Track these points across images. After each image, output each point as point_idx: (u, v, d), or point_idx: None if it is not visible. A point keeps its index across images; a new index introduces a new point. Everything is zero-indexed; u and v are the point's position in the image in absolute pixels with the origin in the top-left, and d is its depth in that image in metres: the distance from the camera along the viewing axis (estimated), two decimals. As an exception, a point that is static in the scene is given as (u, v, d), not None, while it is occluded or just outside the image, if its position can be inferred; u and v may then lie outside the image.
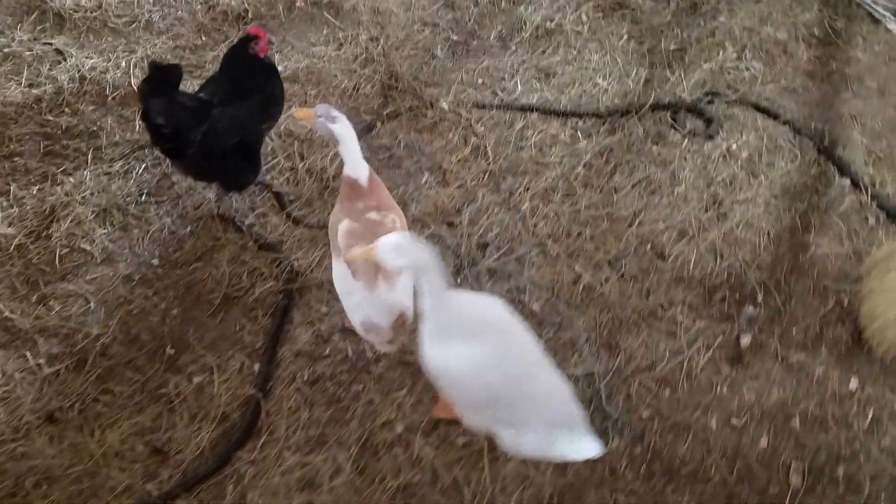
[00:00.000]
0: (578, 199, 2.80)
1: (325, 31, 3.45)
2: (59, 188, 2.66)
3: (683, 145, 3.05)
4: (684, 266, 2.62)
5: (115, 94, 3.03)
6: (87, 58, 3.15)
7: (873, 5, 3.68)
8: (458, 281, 2.51)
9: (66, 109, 2.97)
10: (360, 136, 3.00)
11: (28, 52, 3.14)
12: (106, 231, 2.56)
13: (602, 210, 2.78)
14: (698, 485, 2.08)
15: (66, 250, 2.50)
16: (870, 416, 2.23)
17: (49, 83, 3.04)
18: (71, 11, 3.35)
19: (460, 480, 2.05)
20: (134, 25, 3.33)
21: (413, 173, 2.89)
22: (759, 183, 2.92)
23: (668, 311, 2.49)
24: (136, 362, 2.23)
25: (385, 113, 3.07)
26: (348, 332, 2.32)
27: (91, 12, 3.36)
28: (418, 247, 1.71)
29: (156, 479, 1.99)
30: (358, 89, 3.18)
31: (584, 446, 1.87)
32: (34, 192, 2.66)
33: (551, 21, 3.51)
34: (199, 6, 3.45)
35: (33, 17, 3.32)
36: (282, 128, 2.98)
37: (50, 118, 2.92)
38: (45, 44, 3.21)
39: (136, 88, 3.02)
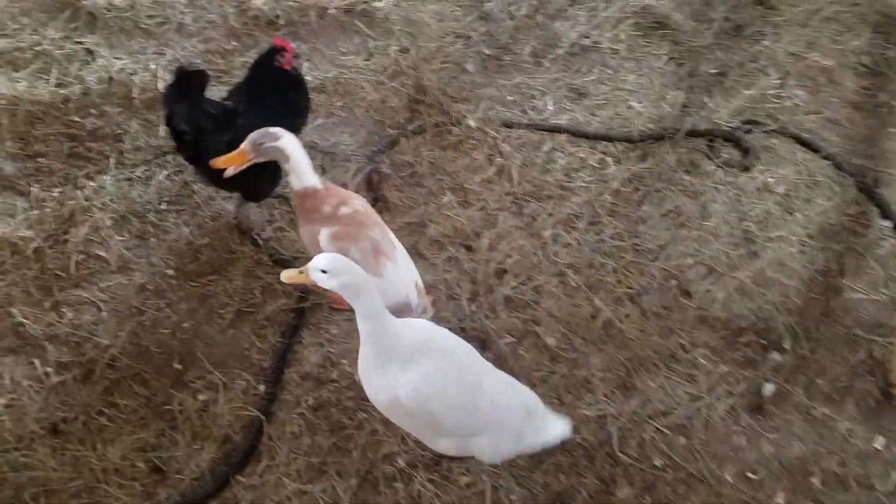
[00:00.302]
0: (603, 228, 2.72)
1: (355, 41, 3.41)
2: (79, 192, 2.66)
3: (717, 176, 2.95)
4: (710, 305, 2.52)
5: (141, 97, 3.02)
6: (116, 58, 3.15)
7: (929, 35, 3.50)
8: (473, 308, 2.46)
9: (93, 111, 2.97)
10: (382, 151, 2.98)
11: (58, 51, 3.16)
12: (123, 238, 2.56)
13: (627, 241, 2.68)
14: (709, 542, 2.00)
15: (82, 256, 2.49)
16: (894, 477, 2.12)
17: (77, 83, 3.04)
18: (104, 10, 3.35)
19: (460, 522, 2.00)
20: (165, 27, 3.32)
21: (434, 192, 2.83)
22: (794, 220, 2.81)
23: (690, 354, 2.40)
24: (144, 376, 2.22)
25: (410, 128, 3.02)
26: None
27: (123, 12, 3.36)
28: (350, 268, 1.67)
29: (153, 499, 1.97)
30: (385, 102, 3.13)
31: (553, 430, 1.91)
32: (55, 194, 2.67)
33: (588, 38, 3.41)
34: (230, 10, 3.43)
35: (66, 14, 3.33)
36: (304, 140, 2.94)
37: (76, 119, 2.93)
38: (76, 42, 3.22)
39: (162, 92, 3.02)
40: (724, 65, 3.39)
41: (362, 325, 1.71)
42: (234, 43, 3.30)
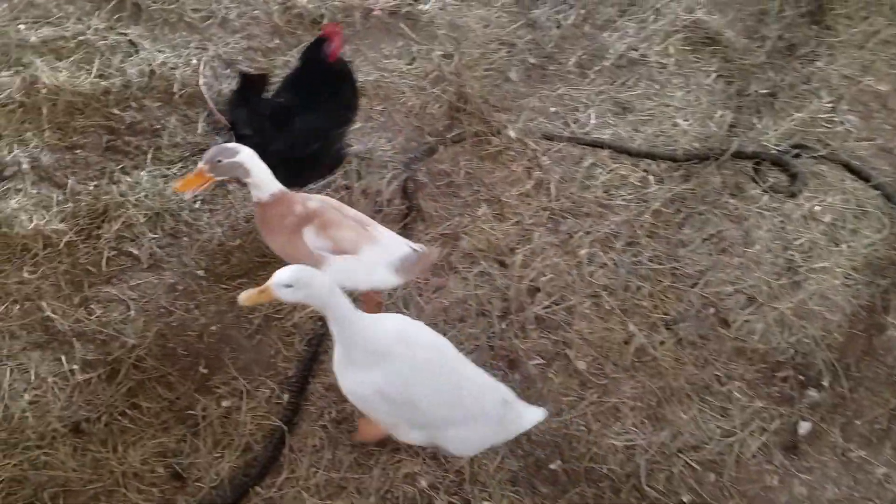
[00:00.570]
0: (641, 249, 2.63)
1: (399, 44, 3.36)
2: (115, 187, 2.65)
3: (762, 201, 2.84)
4: (748, 336, 2.44)
5: (182, 92, 3.01)
6: (158, 51, 3.15)
7: None
8: (503, 326, 2.39)
9: (133, 104, 2.96)
10: (420, 159, 2.93)
11: (102, 42, 3.16)
12: (156, 236, 2.54)
13: (666, 264, 2.60)
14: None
15: (113, 252, 2.48)
16: (930, 527, 2.03)
17: (118, 75, 3.04)
18: (149, 2, 3.35)
19: (479, 549, 1.95)
20: (209, 22, 3.31)
21: (470, 204, 2.77)
22: (839, 252, 2.70)
23: (724, 386, 2.32)
24: (169, 378, 2.20)
25: (449, 136, 2.96)
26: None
27: (169, 4, 3.36)
28: (314, 277, 1.65)
29: (172, 506, 1.96)
30: (425, 108, 3.08)
31: (528, 415, 1.90)
32: (91, 188, 2.66)
33: (635, 51, 3.32)
34: (275, 7, 3.40)
35: (111, 4, 3.33)
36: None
37: (115, 112, 2.92)
38: (119, 33, 3.22)
39: (201, 88, 3.02)
40: (774, 85, 3.27)
41: (333, 328, 1.71)
42: (277, 41, 3.27)
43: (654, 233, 2.69)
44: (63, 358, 2.21)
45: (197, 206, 2.67)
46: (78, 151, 2.80)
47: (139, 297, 2.39)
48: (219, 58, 3.16)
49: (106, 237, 2.50)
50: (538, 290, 2.50)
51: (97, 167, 2.75)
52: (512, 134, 2.96)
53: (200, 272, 2.47)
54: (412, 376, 1.76)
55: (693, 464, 2.13)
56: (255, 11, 3.40)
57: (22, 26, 3.26)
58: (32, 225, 2.51)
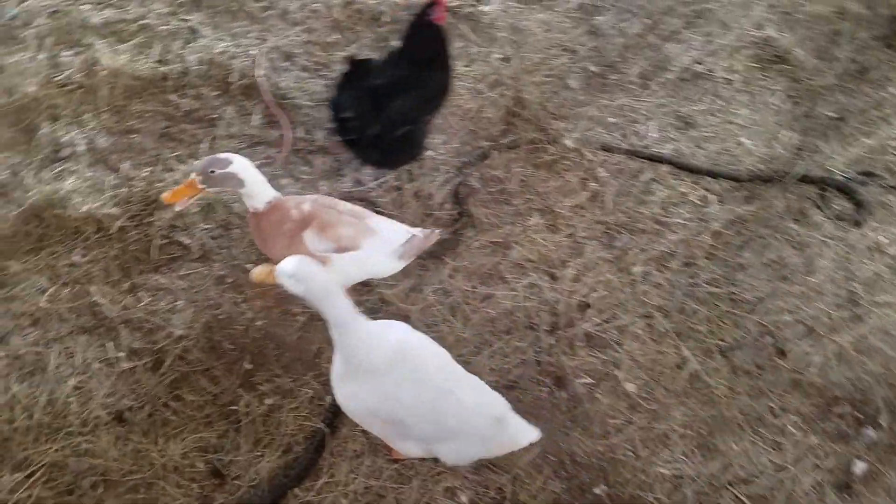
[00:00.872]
0: (699, 271, 2.54)
1: (458, 45, 3.30)
2: (168, 175, 2.65)
3: (826, 229, 2.72)
4: (805, 369, 2.33)
5: (239, 83, 3.00)
6: (218, 40, 3.14)
7: None
8: (551, 341, 2.33)
9: (190, 91, 2.96)
10: (473, 164, 2.88)
11: (163, 27, 3.17)
12: (207, 227, 2.52)
13: (723, 288, 2.50)
14: None
15: (164, 241, 2.47)
16: None
17: (178, 62, 3.04)
18: (211, -11, 3.36)
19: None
20: (269, 12, 3.30)
21: (522, 213, 2.70)
22: (904, 286, 2.57)
23: (779, 419, 2.22)
24: (213, 372, 2.18)
25: (504, 142, 2.90)
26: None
27: (230, -8, 3.37)
28: (316, 274, 1.63)
29: None
30: (481, 111, 3.02)
31: (523, 437, 1.86)
32: (144, 174, 2.66)
33: (701, 65, 3.21)
34: (336, 1, 3.37)
35: (174, -11, 3.35)
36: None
37: (173, 98, 2.93)
38: (181, 19, 3.23)
39: (258, 80, 3.00)
40: (844, 109, 3.14)
41: (333, 333, 1.69)
42: (336, 36, 3.24)
43: (713, 254, 2.59)
44: (110, 345, 2.20)
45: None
46: (134, 136, 2.80)
47: (188, 287, 2.37)
48: (277, 50, 3.15)
49: (158, 225, 2.49)
50: (589, 306, 2.42)
51: (152, 153, 2.75)
52: (569, 143, 2.89)
53: (249, 265, 2.45)
54: (399, 394, 1.73)
55: (743, 497, 2.04)
56: (316, 4, 3.37)
57: (85, 7, 3.28)
58: (86, 208, 2.51)
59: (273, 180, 2.65)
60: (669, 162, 2.86)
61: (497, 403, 1.84)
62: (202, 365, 2.19)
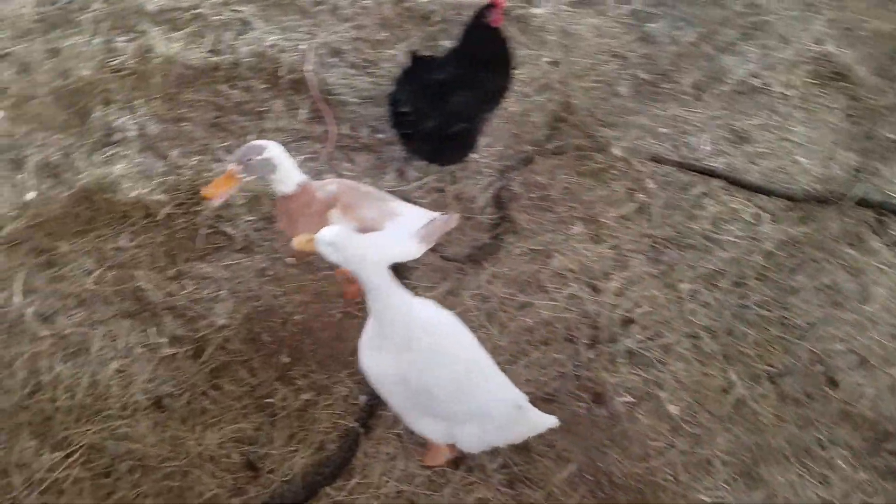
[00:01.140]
0: (749, 292, 2.46)
1: (506, 46, 3.27)
2: (216, 165, 2.66)
3: (883, 255, 2.62)
4: (856, 400, 2.24)
5: (288, 77, 3.00)
6: (269, 33, 3.16)
7: None
8: (591, 356, 2.28)
9: (240, 83, 2.98)
10: (516, 168, 2.83)
11: (216, 17, 3.20)
12: (251, 219, 2.53)
13: (774, 311, 2.42)
14: None
15: (209, 230, 2.49)
16: None
17: (229, 53, 3.06)
18: (264, -19, 3.37)
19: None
20: (320, 7, 3.30)
21: (565, 221, 2.65)
22: (965, 320, 2.45)
23: (827, 451, 2.13)
24: (252, 363, 2.18)
25: (549, 147, 2.85)
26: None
27: (283, -15, 3.38)
28: (356, 241, 1.65)
29: (243, 496, 1.92)
30: (526, 115, 2.97)
31: (540, 423, 1.85)
32: (193, 162, 2.68)
33: (757, 78, 3.12)
34: (387, -2, 3.38)
35: (229, -20, 3.37)
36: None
37: (223, 89, 2.94)
38: (233, 10, 3.25)
39: (306, 75, 3.00)
40: (906, 130, 3.03)
41: (369, 299, 1.70)
42: (385, 34, 3.23)
43: (764, 276, 2.51)
44: (152, 330, 2.22)
45: (293, 192, 2.65)
46: (184, 124, 2.82)
47: (231, 277, 2.38)
48: (326, 45, 3.15)
49: (204, 214, 2.51)
50: (632, 321, 2.36)
51: (201, 142, 2.76)
52: (616, 151, 2.83)
53: (290, 259, 2.45)
54: (432, 364, 1.73)
55: (785, 531, 1.98)
56: (367, 1, 3.36)
57: (141, -6, 3.33)
58: (134, 193, 2.54)
59: (316, 176, 2.67)
60: (722, 176, 2.78)
61: (516, 392, 1.83)
62: (241, 356, 2.19)
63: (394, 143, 2.85)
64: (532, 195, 2.74)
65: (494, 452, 2.04)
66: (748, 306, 2.42)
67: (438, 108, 2.50)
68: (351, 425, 2.06)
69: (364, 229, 2.06)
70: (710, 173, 2.79)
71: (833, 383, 2.28)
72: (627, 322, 2.37)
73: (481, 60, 2.54)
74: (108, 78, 2.96)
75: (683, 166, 2.81)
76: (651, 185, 2.75)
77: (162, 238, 2.45)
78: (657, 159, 2.83)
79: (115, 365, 2.14)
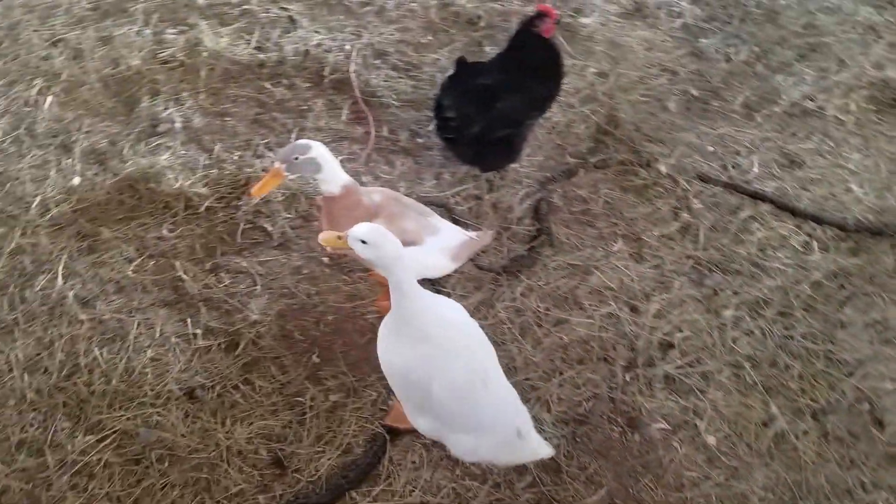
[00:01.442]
0: (795, 323, 2.37)
1: (553, 55, 3.23)
2: (258, 161, 2.67)
3: (939, 291, 2.51)
4: (904, 443, 2.14)
5: (331, 77, 3.00)
6: (315, 32, 3.16)
7: None
8: (627, 378, 2.22)
9: (284, 81, 2.99)
10: (557, 180, 2.79)
11: (263, 14, 3.21)
12: (289, 216, 2.53)
13: (820, 345, 2.33)
14: None
15: (248, 226, 2.49)
16: None
17: (275, 50, 3.08)
18: (313, -21, 3.38)
19: None
20: (367, 8, 3.30)
21: (605, 237, 2.60)
22: None
23: (870, 495, 2.04)
24: (283, 361, 2.17)
25: (592, 160, 2.80)
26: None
27: (332, -15, 3.38)
28: (388, 240, 1.67)
29: (268, 493, 1.91)
30: (570, 127, 2.93)
31: (535, 452, 1.82)
32: (235, 157, 2.69)
33: (812, 101, 3.03)
34: (434, 1, 3.35)
35: (278, -22, 3.39)
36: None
37: (267, 86, 2.95)
38: (281, 8, 3.27)
39: (350, 76, 3.00)
40: (967, 163, 2.90)
41: (392, 294, 1.71)
42: (430, 37, 3.21)
43: (812, 307, 2.42)
44: (189, 321, 2.23)
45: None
46: (227, 119, 2.84)
47: (266, 273, 2.38)
48: (370, 47, 3.14)
49: (244, 209, 2.51)
50: (672, 346, 2.30)
51: (244, 138, 2.78)
52: (663, 168, 2.76)
53: (325, 259, 2.44)
54: (439, 366, 1.73)
55: (821, 575, 1.90)
56: (413, 4, 3.35)
57: (192, -13, 3.36)
58: (178, 184, 2.56)
59: (354, 177, 2.66)
60: (771, 201, 2.69)
61: (524, 417, 1.80)
62: (273, 352, 2.19)
63: (432, 148, 2.84)
64: (573, 209, 2.69)
65: (523, 470, 2.00)
66: (793, 337, 2.34)
67: (483, 113, 2.49)
68: (378, 430, 2.05)
69: (403, 242, 2.04)
70: (760, 197, 2.70)
71: (879, 424, 2.18)
72: (667, 346, 2.30)
73: (529, 66, 2.52)
74: (156, 69, 2.99)
75: (731, 188, 2.73)
76: (697, 204, 2.68)
77: (202, 230, 2.46)
78: (704, 179, 2.76)
79: (150, 353, 2.15)
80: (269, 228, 2.49)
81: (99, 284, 2.31)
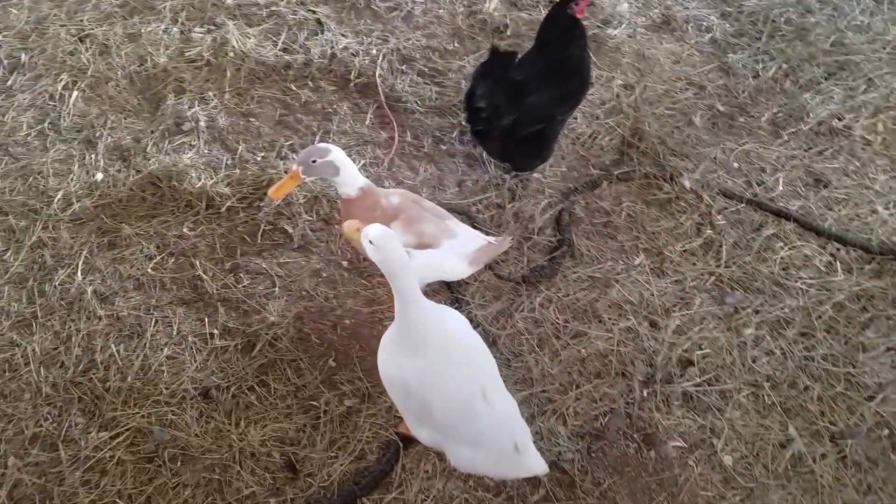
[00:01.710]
0: (816, 344, 2.34)
1: (578, 66, 3.21)
2: (281, 163, 2.67)
3: (965, 318, 2.46)
4: (926, 471, 2.10)
5: (357, 81, 3.00)
6: (342, 35, 3.16)
7: None
8: (645, 394, 2.19)
9: (309, 83, 2.99)
10: (579, 191, 2.77)
11: (291, 16, 3.22)
12: (310, 219, 2.52)
13: (841, 367, 2.29)
14: None
15: (269, 227, 2.49)
16: None
17: (301, 52, 3.08)
18: (342, -17, 3.39)
19: None
20: (395, 13, 3.29)
21: (627, 250, 2.58)
22: None
23: (889, 522, 2.01)
24: (299, 364, 2.17)
25: (616, 172, 2.78)
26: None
27: (360, -11, 3.39)
28: (395, 247, 1.67)
29: (280, 497, 1.91)
30: (594, 138, 2.91)
31: (531, 468, 1.79)
32: (259, 158, 2.70)
33: (839, 120, 2.98)
34: (461, 9, 3.34)
35: (307, -19, 3.40)
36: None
37: (293, 88, 2.96)
38: (309, 10, 3.27)
39: (377, 80, 3.00)
40: None
41: (396, 302, 1.71)
42: (456, 44, 3.20)
43: (833, 328, 2.38)
44: (206, 320, 2.23)
45: (353, 195, 2.64)
46: (252, 120, 2.85)
47: (285, 275, 2.38)
48: (396, 52, 3.14)
49: (265, 210, 2.52)
50: (691, 363, 2.27)
51: (267, 139, 2.78)
52: (687, 183, 2.74)
53: (345, 263, 2.43)
54: (437, 378, 1.72)
55: None
56: (441, 11, 3.35)
57: (220, -13, 3.38)
58: (200, 184, 2.57)
59: (377, 181, 2.67)
60: (795, 220, 2.65)
61: (521, 431, 1.78)
62: (290, 355, 2.18)
63: (455, 155, 2.83)
64: (595, 221, 2.67)
65: (537, 483, 1.99)
66: (814, 359, 2.30)
67: (515, 107, 2.47)
68: (392, 437, 2.04)
69: (421, 244, 2.08)
70: (785, 215, 2.66)
71: (900, 450, 2.16)
72: (686, 363, 2.28)
73: (560, 61, 2.51)
74: (182, 67, 3.01)
75: (756, 205, 2.70)
76: (720, 221, 2.65)
77: (222, 230, 2.47)
78: (728, 195, 2.73)
79: (167, 351, 2.16)
80: (290, 230, 2.48)
81: (118, 281, 2.31)
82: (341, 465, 1.98)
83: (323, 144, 2.04)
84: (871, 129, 2.99)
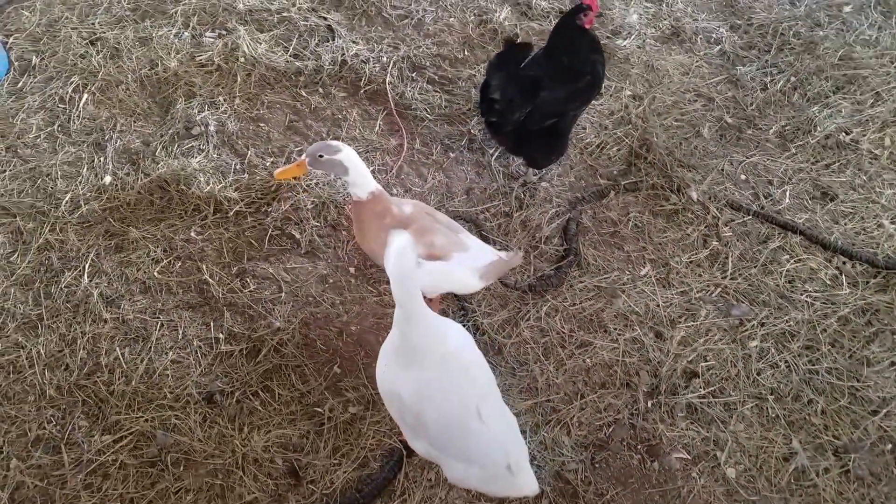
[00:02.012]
0: (820, 357, 2.33)
1: (587, 76, 3.22)
2: (290, 168, 2.69)
3: (973, 335, 2.45)
4: (930, 488, 2.09)
5: (367, 88, 3.02)
6: (353, 42, 3.18)
7: None
8: (649, 405, 2.19)
9: (320, 90, 3.00)
10: (587, 201, 2.77)
11: (303, 22, 3.24)
12: (317, 225, 2.54)
13: (845, 381, 2.28)
14: None
15: (276, 232, 2.51)
16: None
17: (312, 59, 3.10)
18: (354, -9, 3.41)
19: None
20: (405, 21, 3.31)
21: (633, 261, 2.58)
22: None
23: (893, 539, 2.00)
24: (304, 370, 2.18)
25: (623, 183, 2.78)
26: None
27: (372, -3, 3.41)
28: (406, 258, 1.65)
29: (282, 503, 1.91)
30: (603, 148, 2.91)
31: (523, 488, 1.77)
32: (267, 163, 2.72)
33: (847, 134, 2.98)
34: (471, 17, 3.36)
35: (318, -13, 3.42)
36: (511, 168, 2.82)
37: (303, 94, 2.97)
38: (320, 17, 3.29)
39: (387, 87, 3.02)
40: None
41: (396, 311, 1.72)
42: (466, 53, 3.21)
43: (838, 342, 2.38)
44: (212, 324, 2.24)
45: (360, 202, 2.65)
46: (262, 125, 2.86)
47: (292, 280, 2.39)
48: (407, 59, 3.15)
49: (273, 215, 2.53)
50: (696, 374, 2.27)
51: (277, 144, 2.80)
52: (694, 195, 2.74)
53: (352, 269, 2.44)
54: (433, 393, 1.72)
55: None
56: (451, 19, 3.36)
57: (232, -8, 3.40)
58: (208, 188, 2.58)
59: (385, 189, 2.67)
60: (802, 233, 2.64)
61: (516, 451, 1.75)
62: (295, 361, 2.19)
63: (463, 163, 2.84)
64: (602, 231, 2.67)
65: (540, 493, 1.98)
66: (818, 372, 2.29)
67: (528, 100, 2.48)
68: (396, 445, 2.04)
69: (431, 256, 2.08)
70: (791, 228, 2.65)
71: (904, 466, 2.14)
72: (691, 375, 2.27)
73: (574, 57, 2.53)
74: (192, 72, 3.03)
75: (763, 217, 2.69)
76: (727, 233, 2.65)
77: (230, 235, 2.48)
78: (735, 207, 2.73)
79: (171, 355, 2.17)
80: (298, 236, 2.49)
81: (124, 284, 2.33)
82: (344, 472, 1.98)
83: (335, 142, 2.04)
84: (878, 143, 2.99)
